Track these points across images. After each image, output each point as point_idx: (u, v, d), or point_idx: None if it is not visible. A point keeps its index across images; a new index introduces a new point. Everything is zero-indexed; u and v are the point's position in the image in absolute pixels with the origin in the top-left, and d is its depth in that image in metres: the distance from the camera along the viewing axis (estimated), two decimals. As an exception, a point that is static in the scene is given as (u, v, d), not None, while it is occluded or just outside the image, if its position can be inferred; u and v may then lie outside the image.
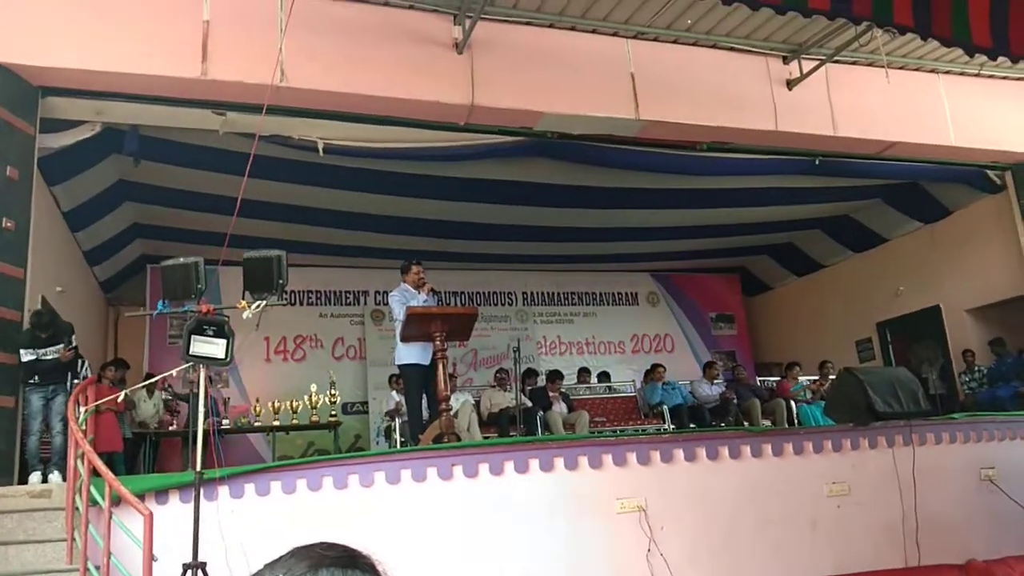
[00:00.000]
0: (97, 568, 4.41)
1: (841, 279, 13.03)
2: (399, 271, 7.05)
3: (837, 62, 8.64)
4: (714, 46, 8.39)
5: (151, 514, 4.20)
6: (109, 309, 11.56)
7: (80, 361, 7.44)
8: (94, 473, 4.63)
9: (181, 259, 4.89)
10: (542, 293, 13.45)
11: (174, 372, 5.92)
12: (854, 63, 8.92)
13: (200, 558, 4.30)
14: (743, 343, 14.45)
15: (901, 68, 9.13)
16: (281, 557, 0.91)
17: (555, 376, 9.98)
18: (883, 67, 8.36)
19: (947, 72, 9.45)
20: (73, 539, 4.68)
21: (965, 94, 9.43)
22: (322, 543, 0.93)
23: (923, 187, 11.01)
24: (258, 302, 4.87)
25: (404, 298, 6.68)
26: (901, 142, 9.01)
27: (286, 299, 5.32)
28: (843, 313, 12.75)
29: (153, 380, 8.42)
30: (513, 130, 7.90)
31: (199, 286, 4.80)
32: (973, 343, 10.68)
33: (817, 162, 9.19)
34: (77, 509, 4.71)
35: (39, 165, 6.74)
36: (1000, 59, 7.61)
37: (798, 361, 11.35)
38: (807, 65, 8.55)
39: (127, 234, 10.27)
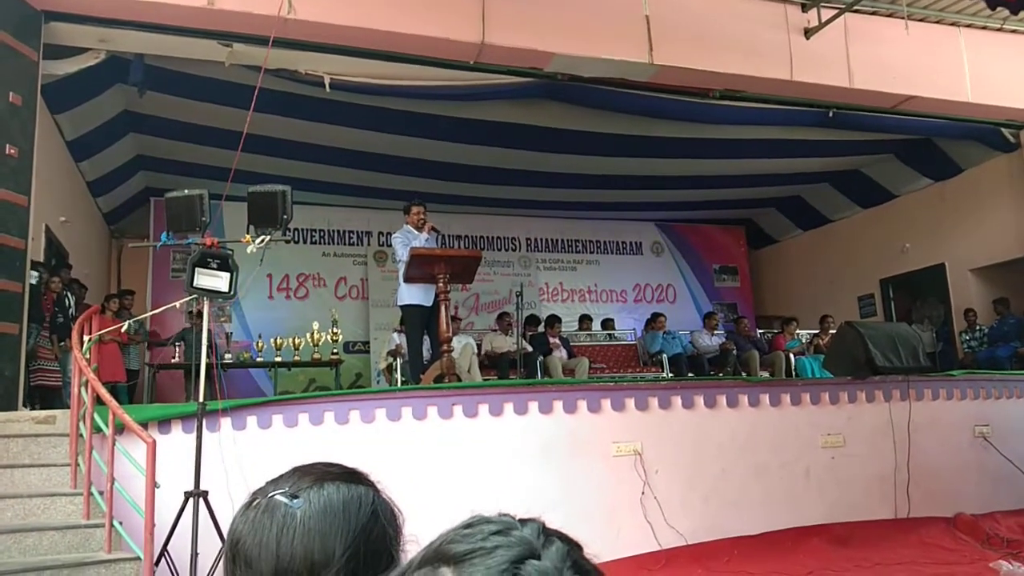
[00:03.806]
0: (100, 493, 4.49)
1: (847, 234, 12.97)
2: (402, 212, 7.03)
3: (857, 12, 8.45)
4: (732, -9, 8.20)
5: (154, 442, 4.26)
6: (112, 241, 11.57)
7: (67, 298, 7.48)
8: (98, 401, 4.68)
9: (186, 191, 4.85)
10: (546, 239, 13.41)
11: (177, 304, 5.94)
12: (874, 13, 8.73)
13: (202, 487, 4.37)
14: (746, 295, 14.46)
15: (921, 20, 8.93)
16: (284, 474, 0.92)
17: (554, 320, 10.02)
18: (903, 18, 8.18)
19: (968, 25, 9.23)
20: (77, 464, 4.75)
21: (985, 49, 9.24)
22: (322, 462, 0.94)
23: (936, 143, 10.86)
24: (262, 237, 4.85)
25: (407, 239, 6.68)
26: (917, 96, 8.86)
27: (290, 236, 5.30)
28: (847, 268, 12.72)
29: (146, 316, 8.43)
30: (523, 71, 7.77)
31: (203, 218, 4.78)
32: (976, 302, 10.67)
33: (831, 114, 9.06)
34: (81, 436, 4.78)
35: (42, 92, 6.66)
36: (1022, 14, 7.49)
37: (796, 316, 11.38)
38: (826, 14, 8.35)
39: (131, 166, 10.20)
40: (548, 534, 0.62)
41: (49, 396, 7.19)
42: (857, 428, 6.27)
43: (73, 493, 4.64)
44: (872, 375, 6.42)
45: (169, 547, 4.25)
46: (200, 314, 4.97)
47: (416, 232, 6.72)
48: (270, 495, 0.88)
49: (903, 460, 6.19)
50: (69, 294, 7.73)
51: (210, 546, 4.26)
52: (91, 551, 4.36)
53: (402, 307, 6.89)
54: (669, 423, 5.78)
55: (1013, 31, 9.39)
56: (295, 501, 0.86)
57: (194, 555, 4.21)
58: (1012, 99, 9.28)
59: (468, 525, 0.63)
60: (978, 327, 10.42)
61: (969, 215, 10.82)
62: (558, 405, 5.59)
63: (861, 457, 6.19)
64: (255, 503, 0.89)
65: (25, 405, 6.17)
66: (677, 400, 5.84)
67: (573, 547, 0.62)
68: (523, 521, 0.63)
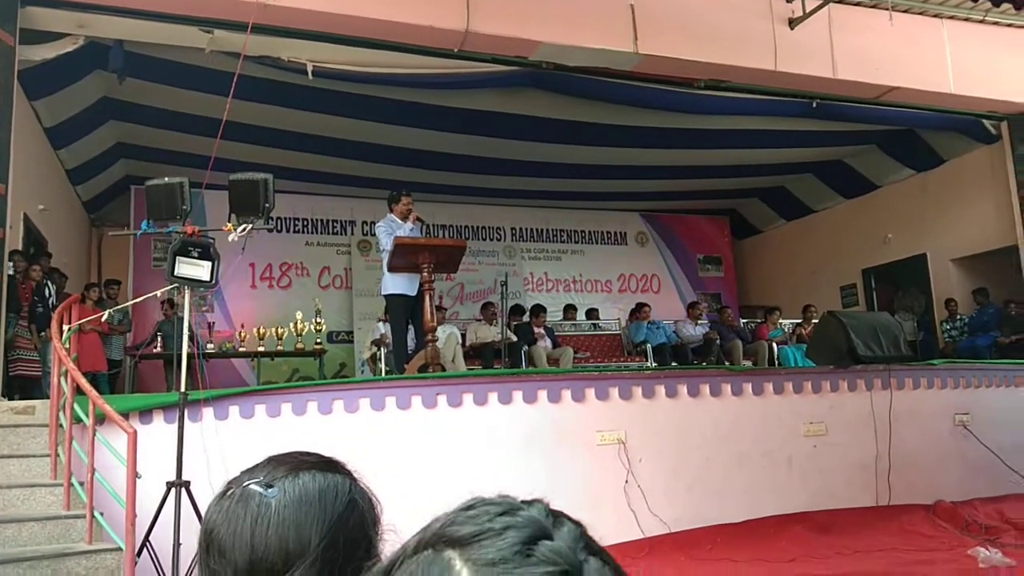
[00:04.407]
0: (81, 484, 4.45)
1: (830, 224, 13.04)
2: (387, 201, 6.98)
3: (840, 2, 8.47)
4: (717, -20, 8.18)
5: (135, 432, 4.22)
6: (92, 229, 11.45)
7: (47, 287, 7.40)
8: (78, 391, 4.63)
9: (166, 179, 4.80)
10: (531, 229, 13.40)
11: (158, 293, 5.89)
12: (858, 4, 8.75)
13: (184, 477, 4.34)
14: (729, 285, 14.53)
15: (905, 11, 8.95)
16: (259, 464, 0.90)
17: (539, 310, 10.02)
18: (886, 9, 8.21)
19: (951, 17, 9.27)
20: (57, 455, 4.70)
21: (968, 41, 9.28)
22: (298, 451, 0.92)
23: (918, 134, 10.93)
24: (244, 225, 4.81)
25: (391, 228, 6.63)
26: (900, 87, 8.90)
27: (272, 224, 5.26)
28: (830, 258, 12.80)
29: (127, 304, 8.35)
30: (508, 59, 7.73)
31: (184, 207, 4.74)
32: (957, 292, 10.77)
33: (815, 104, 9.08)
34: (61, 426, 4.73)
35: (19, 78, 6.56)
36: (1003, 5, 7.53)
37: (779, 306, 11.44)
38: (810, 4, 8.34)
39: (111, 153, 10.08)
40: (555, 515, 0.60)
41: (29, 386, 7.11)
42: (839, 417, 6.32)
43: (53, 484, 4.60)
44: (854, 364, 6.46)
45: (151, 538, 4.22)
46: (176, 304, 4.94)
47: (401, 221, 6.68)
48: (244, 484, 0.86)
49: (884, 448, 6.25)
50: (49, 283, 7.64)
51: (192, 537, 4.23)
52: (71, 542, 4.32)
53: (386, 296, 6.86)
54: (653, 412, 5.80)
55: (995, 23, 9.44)
56: (270, 491, 0.85)
57: (176, 545, 4.19)
58: (994, 91, 9.34)
59: (470, 507, 0.61)
60: (959, 317, 10.52)
61: (951, 206, 10.91)
62: (542, 394, 5.60)
63: (843, 446, 6.25)
64: (229, 492, 0.87)
65: (4, 396, 6.11)
66: (661, 389, 5.86)
67: (582, 528, 0.60)
68: (527, 502, 0.61)
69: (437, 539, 0.58)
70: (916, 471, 6.38)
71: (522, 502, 0.61)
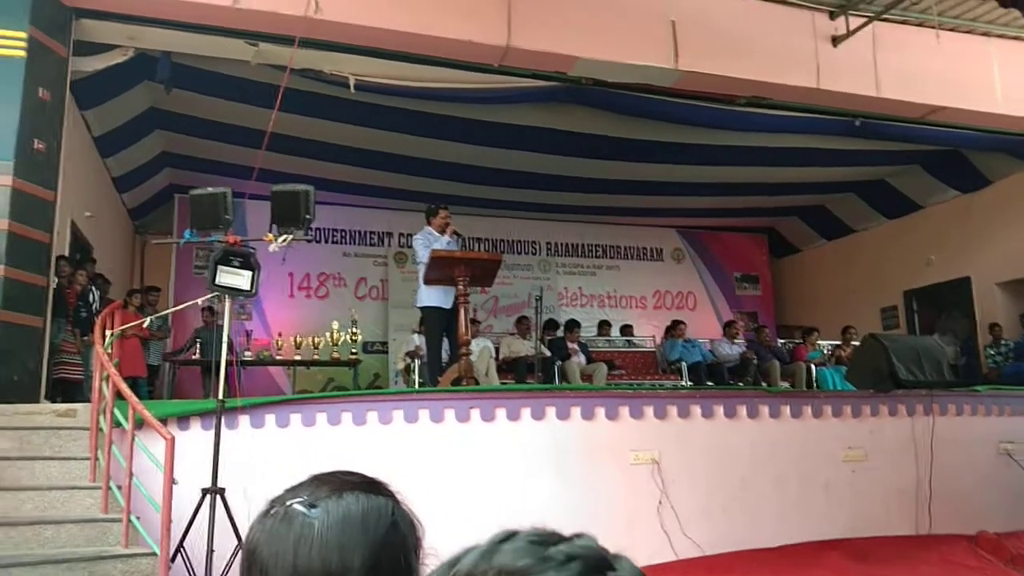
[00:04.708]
0: (119, 488, 4.52)
1: (871, 245, 12.82)
2: (424, 214, 7.02)
3: (885, 20, 8.37)
4: (759, -3, 8.14)
5: (173, 438, 4.27)
6: (136, 236, 11.67)
7: (92, 293, 7.56)
8: (118, 396, 4.71)
9: (210, 189, 4.88)
10: (566, 244, 13.37)
11: (199, 301, 5.97)
12: (903, 22, 8.63)
13: (219, 484, 4.38)
14: (767, 304, 14.34)
15: (951, 30, 8.81)
16: (302, 483, 0.90)
17: (573, 325, 9.98)
18: (933, 27, 8.10)
19: (1000, 36, 9.11)
20: (96, 458, 4.78)
21: (1016, 59, 9.10)
22: (341, 471, 0.92)
23: (964, 155, 10.72)
24: (284, 236, 4.86)
25: (428, 241, 6.67)
26: (946, 107, 8.74)
27: (311, 235, 5.31)
28: (870, 279, 12.58)
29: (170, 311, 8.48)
30: (547, 74, 7.75)
31: (227, 216, 4.80)
32: (1001, 317, 10.51)
33: (858, 123, 8.96)
34: (101, 430, 4.81)
35: (71, 88, 6.73)
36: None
37: (817, 327, 11.26)
38: (854, 22, 8.27)
39: (156, 162, 10.29)
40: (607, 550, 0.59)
41: (71, 390, 7.25)
42: (879, 442, 6.18)
43: (92, 487, 4.67)
44: (895, 389, 6.33)
45: (185, 543, 4.26)
46: (215, 312, 5.01)
47: (438, 235, 6.71)
48: (288, 504, 0.86)
49: (925, 475, 6.10)
50: (93, 288, 7.80)
51: (226, 543, 4.27)
52: (108, 545, 4.38)
53: (421, 309, 6.89)
54: (688, 433, 5.73)
55: (1045, 42, 9.25)
56: (313, 511, 0.84)
57: (210, 552, 4.22)
58: (1043, 111, 9.13)
59: (516, 537, 0.59)
60: (1003, 342, 10.26)
61: (996, 228, 10.66)
62: (576, 411, 5.56)
63: (882, 471, 6.11)
64: (272, 511, 0.87)
65: (47, 398, 6.23)
66: (696, 409, 5.79)
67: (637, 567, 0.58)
68: (576, 536, 0.59)
69: (496, 572, 0.56)
70: (958, 500, 6.21)
71: (571, 535, 0.60)
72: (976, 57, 8.96)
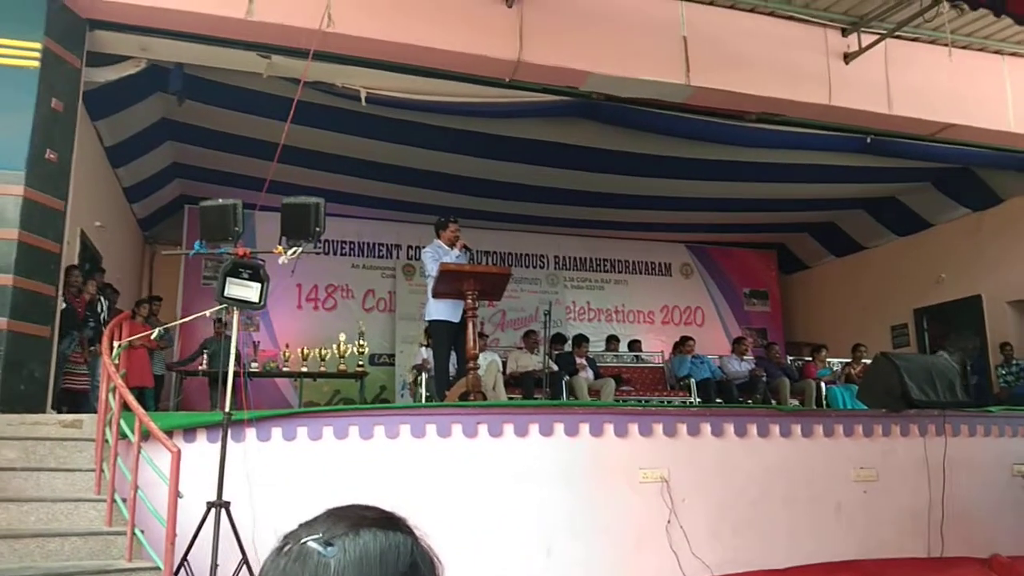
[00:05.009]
0: (124, 500, 4.48)
1: (881, 262, 12.75)
2: (433, 227, 7.00)
3: (898, 37, 8.34)
4: (771, 14, 8.11)
5: (179, 451, 4.24)
6: (146, 247, 11.70)
7: (100, 303, 7.56)
8: (125, 407, 4.68)
9: (220, 200, 4.86)
10: (574, 258, 13.34)
11: (207, 313, 5.95)
12: (915, 39, 8.60)
13: (225, 497, 4.35)
14: (775, 321, 14.27)
15: (964, 48, 8.78)
16: (317, 517, 0.86)
17: (581, 340, 9.92)
18: (945, 45, 8.05)
19: (1013, 54, 9.07)
20: (102, 470, 4.75)
21: (1029, 78, 9.06)
22: (358, 504, 0.88)
23: (975, 172, 10.67)
24: (294, 248, 4.84)
25: (437, 254, 6.64)
26: (958, 124, 8.70)
27: (321, 247, 5.29)
28: (880, 297, 12.51)
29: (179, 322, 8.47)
30: (558, 89, 7.74)
31: (237, 228, 4.78)
32: (1013, 336, 10.43)
33: (869, 140, 8.93)
34: (107, 441, 4.78)
35: (84, 99, 6.75)
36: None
37: (826, 344, 11.18)
38: (866, 39, 8.24)
39: (167, 173, 10.32)
40: None
41: (77, 400, 7.24)
42: (891, 462, 6.11)
43: (97, 499, 4.64)
44: (907, 408, 6.26)
45: (189, 557, 4.22)
46: (224, 322, 5.00)
47: (448, 248, 6.69)
48: (302, 541, 0.82)
49: (937, 497, 6.02)
50: (102, 299, 7.80)
51: (230, 558, 4.24)
52: (112, 558, 4.35)
53: (429, 322, 6.85)
54: (697, 451, 5.67)
55: (1058, 60, 9.21)
56: (329, 549, 0.80)
57: (214, 566, 4.18)
58: (1056, 129, 9.08)
59: None
60: (1015, 361, 10.17)
61: (1008, 246, 10.59)
62: (584, 428, 5.51)
63: (894, 492, 6.03)
64: (286, 549, 0.83)
65: (53, 408, 6.22)
66: (706, 427, 5.73)
67: None
68: None
69: None
70: (971, 522, 6.12)
71: None
72: (988, 75, 8.92)
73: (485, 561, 4.86)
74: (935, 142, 9.16)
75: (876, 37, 8.18)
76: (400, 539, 0.83)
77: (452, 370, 6.84)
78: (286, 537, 0.84)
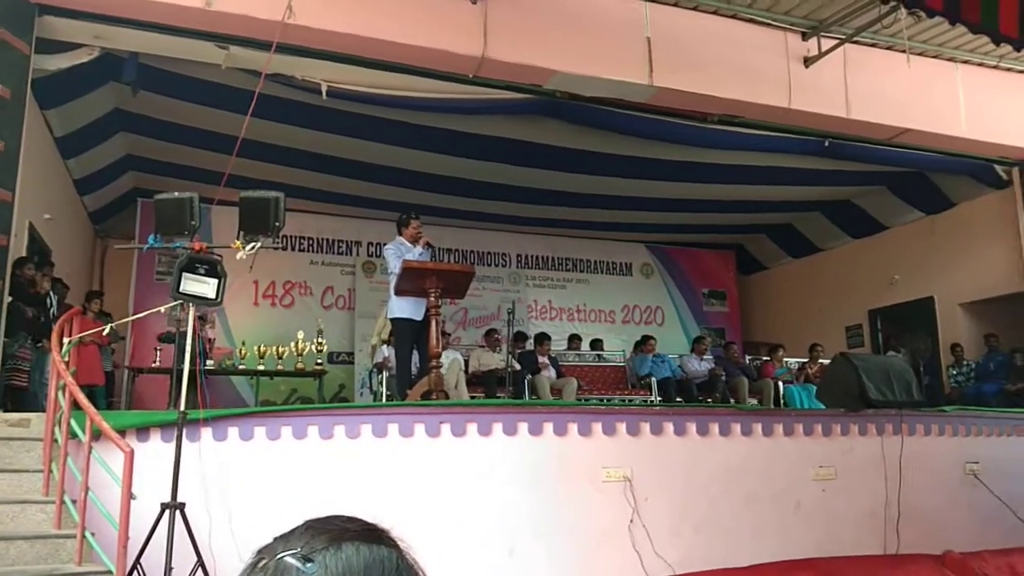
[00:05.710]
0: (74, 502, 4.33)
1: (836, 264, 12.97)
2: (395, 224, 6.91)
3: (856, 43, 8.47)
4: (734, 16, 8.18)
5: (132, 451, 4.11)
6: (97, 241, 11.37)
7: (50, 298, 7.30)
8: (75, 406, 4.52)
9: (176, 193, 4.73)
10: (536, 256, 13.32)
11: (162, 309, 5.80)
12: (873, 45, 8.76)
13: (180, 499, 4.22)
14: (734, 321, 14.43)
15: (920, 54, 8.94)
16: (295, 530, 0.80)
17: (543, 338, 9.91)
18: (902, 51, 8.19)
19: (965, 62, 9.28)
20: (50, 471, 4.58)
21: (981, 86, 9.28)
22: (340, 516, 0.82)
23: (929, 177, 10.90)
24: (252, 243, 4.73)
25: (399, 251, 6.57)
26: (913, 129, 8.88)
27: (280, 243, 5.18)
28: (835, 298, 12.71)
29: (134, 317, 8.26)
30: (522, 87, 7.71)
31: (193, 222, 4.66)
32: (963, 337, 10.67)
33: (827, 144, 9.06)
34: (56, 441, 4.62)
35: (33, 86, 6.52)
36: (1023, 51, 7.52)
37: (783, 344, 11.34)
38: (826, 44, 8.36)
39: (120, 165, 10.03)
40: None
41: (21, 398, 6.98)
42: (849, 461, 6.20)
43: (45, 501, 4.48)
44: (865, 408, 6.35)
45: (142, 560, 4.09)
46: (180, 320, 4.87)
47: (410, 245, 6.61)
48: (279, 555, 0.75)
49: (894, 495, 6.12)
50: (52, 293, 7.54)
51: (185, 560, 4.11)
52: (61, 562, 4.19)
53: (392, 320, 6.76)
54: (660, 450, 5.68)
55: (1009, 69, 9.45)
56: (308, 565, 0.74)
57: (168, 569, 4.05)
58: (1006, 136, 9.32)
59: None
60: (965, 362, 10.41)
61: (960, 250, 10.84)
62: (548, 427, 5.48)
63: (852, 491, 6.12)
64: (261, 564, 0.76)
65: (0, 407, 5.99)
66: (669, 426, 5.74)
67: None
68: None
69: None
70: (926, 520, 6.24)
71: None
72: (942, 82, 9.12)
73: (448, 561, 4.79)
74: (891, 146, 9.34)
75: (835, 42, 8.30)
76: (384, 553, 0.77)
77: (414, 369, 6.76)
78: (261, 552, 0.78)
